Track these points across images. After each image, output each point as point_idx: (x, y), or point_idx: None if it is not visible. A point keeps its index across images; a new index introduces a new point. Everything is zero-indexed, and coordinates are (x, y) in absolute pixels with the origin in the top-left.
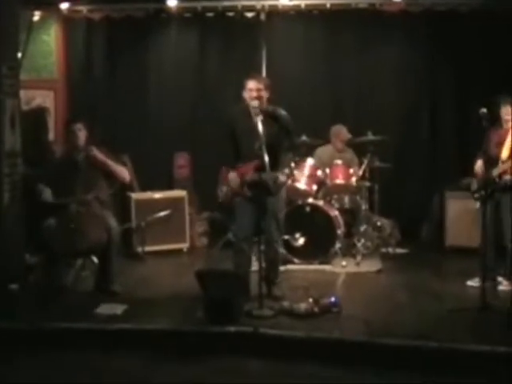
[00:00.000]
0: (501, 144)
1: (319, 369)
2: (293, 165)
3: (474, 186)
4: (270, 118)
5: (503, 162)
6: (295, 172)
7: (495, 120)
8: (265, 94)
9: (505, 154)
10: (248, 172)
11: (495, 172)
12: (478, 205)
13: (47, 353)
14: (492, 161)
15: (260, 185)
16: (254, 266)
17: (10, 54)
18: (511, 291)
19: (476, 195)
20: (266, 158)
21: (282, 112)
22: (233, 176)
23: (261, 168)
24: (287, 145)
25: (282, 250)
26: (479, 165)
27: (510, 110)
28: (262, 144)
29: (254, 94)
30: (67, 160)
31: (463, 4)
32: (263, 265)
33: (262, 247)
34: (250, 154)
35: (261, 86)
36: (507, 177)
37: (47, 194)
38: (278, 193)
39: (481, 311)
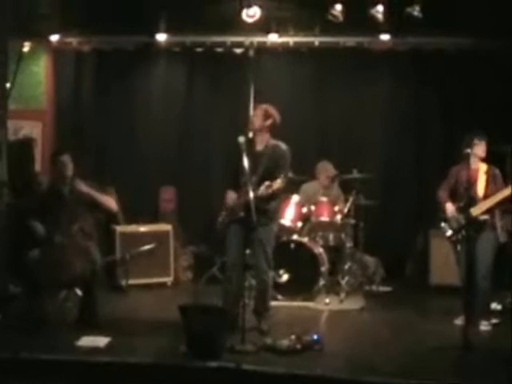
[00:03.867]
0: (473, 184)
1: None
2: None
3: (448, 230)
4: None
5: (481, 201)
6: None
7: (460, 159)
8: (261, 121)
9: (482, 192)
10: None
11: (476, 211)
12: (458, 247)
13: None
14: (464, 200)
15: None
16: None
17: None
18: (491, 331)
19: (454, 238)
20: (250, 189)
21: (283, 147)
22: (231, 194)
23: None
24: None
25: (271, 283)
26: (452, 209)
27: (484, 147)
28: (247, 179)
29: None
30: (53, 191)
31: (450, 44)
32: (252, 297)
33: (251, 279)
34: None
35: (258, 113)
36: (484, 216)
37: (40, 230)
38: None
39: (462, 350)
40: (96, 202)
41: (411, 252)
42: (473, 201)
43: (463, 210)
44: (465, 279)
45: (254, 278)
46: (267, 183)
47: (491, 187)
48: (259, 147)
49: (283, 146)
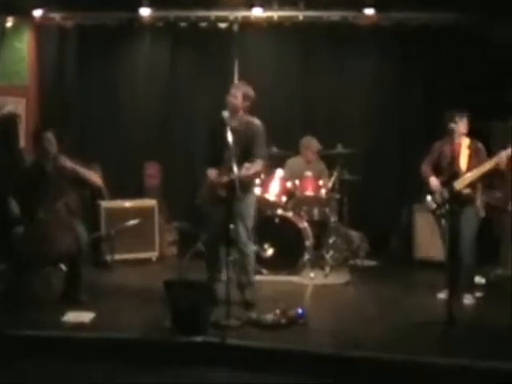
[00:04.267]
0: (456, 157)
1: (284, 380)
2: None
3: (433, 204)
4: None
5: (464, 175)
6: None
7: (444, 134)
8: (241, 103)
9: (465, 166)
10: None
11: (459, 185)
12: (442, 221)
13: (13, 360)
14: (447, 174)
15: (231, 185)
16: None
17: None
18: (475, 304)
19: (438, 212)
20: (235, 166)
21: (256, 122)
22: (212, 172)
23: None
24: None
25: (252, 256)
26: (436, 183)
27: (466, 123)
28: (232, 154)
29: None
30: (36, 168)
31: (434, 20)
32: (234, 271)
33: (232, 253)
34: (227, 158)
35: (238, 94)
36: (467, 190)
37: (15, 208)
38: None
39: (446, 324)
40: (80, 177)
41: (395, 226)
42: (456, 175)
43: (447, 184)
44: (449, 253)
45: (236, 251)
46: (247, 165)
47: (474, 161)
48: (234, 123)
49: (256, 121)
